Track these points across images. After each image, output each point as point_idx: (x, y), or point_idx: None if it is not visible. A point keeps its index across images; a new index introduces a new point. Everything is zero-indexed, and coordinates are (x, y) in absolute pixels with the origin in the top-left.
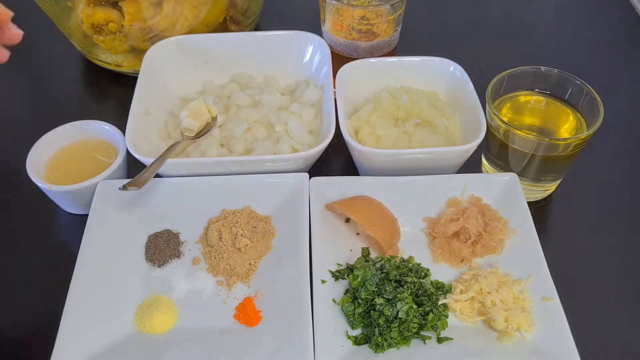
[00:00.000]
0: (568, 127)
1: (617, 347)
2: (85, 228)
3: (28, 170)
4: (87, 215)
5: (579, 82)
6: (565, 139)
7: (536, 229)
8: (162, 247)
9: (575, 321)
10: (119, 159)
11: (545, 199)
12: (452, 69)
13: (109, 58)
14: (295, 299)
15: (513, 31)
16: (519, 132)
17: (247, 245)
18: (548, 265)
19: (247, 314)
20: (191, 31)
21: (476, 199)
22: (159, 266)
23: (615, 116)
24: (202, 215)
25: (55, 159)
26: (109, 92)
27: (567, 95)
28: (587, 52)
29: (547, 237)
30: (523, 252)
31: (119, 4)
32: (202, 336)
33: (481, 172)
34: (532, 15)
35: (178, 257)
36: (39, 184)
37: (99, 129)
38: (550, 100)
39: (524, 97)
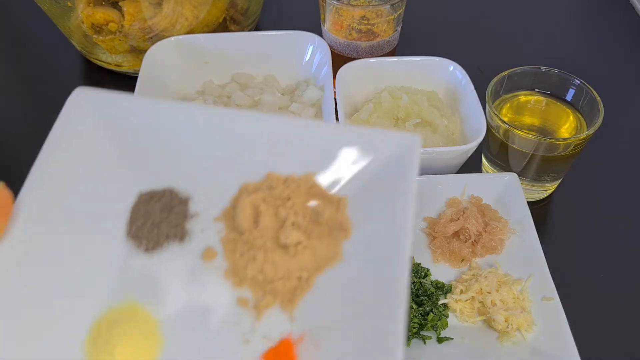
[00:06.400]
0: (568, 127)
1: (618, 348)
2: (38, 159)
3: None
4: None
5: (579, 82)
6: (565, 139)
7: (536, 228)
8: (156, 218)
9: (575, 321)
10: None
11: (545, 199)
12: (452, 68)
13: (109, 58)
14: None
15: (513, 31)
16: (519, 132)
17: (299, 243)
18: (548, 265)
19: None
20: (191, 31)
21: (476, 199)
22: (146, 250)
23: (616, 116)
24: (232, 174)
25: None
26: None
27: (567, 95)
28: (588, 51)
29: (548, 237)
30: (523, 252)
31: (119, 4)
32: None
33: (481, 172)
34: (533, 15)
35: (181, 239)
36: None
37: None
38: (550, 100)
39: (524, 97)
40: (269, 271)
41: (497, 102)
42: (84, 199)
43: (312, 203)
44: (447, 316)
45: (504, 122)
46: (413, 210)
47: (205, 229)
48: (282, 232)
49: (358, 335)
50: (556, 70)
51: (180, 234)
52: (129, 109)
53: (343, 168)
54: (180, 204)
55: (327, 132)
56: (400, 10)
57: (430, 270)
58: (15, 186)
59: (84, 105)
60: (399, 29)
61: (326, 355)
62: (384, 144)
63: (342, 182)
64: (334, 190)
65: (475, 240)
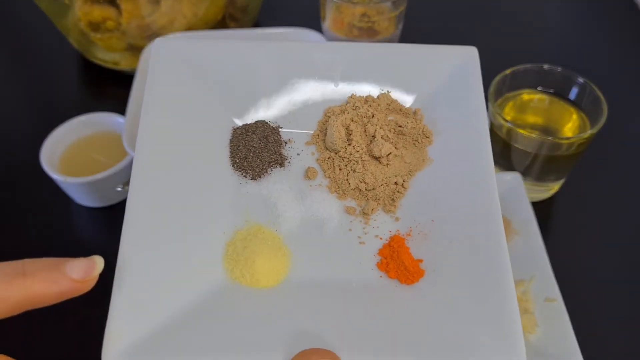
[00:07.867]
0: (571, 126)
1: (621, 349)
2: (143, 113)
3: (42, 163)
4: (100, 208)
5: (582, 81)
6: (568, 138)
7: (539, 229)
8: (257, 148)
9: (578, 323)
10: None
11: (548, 199)
12: None
13: (106, 56)
14: (481, 242)
15: (516, 29)
16: (521, 131)
17: (390, 153)
18: (551, 266)
19: (399, 262)
20: (189, 29)
21: None
22: (253, 178)
23: (620, 115)
24: (316, 100)
25: (69, 151)
26: (107, 91)
27: (570, 94)
28: (591, 50)
29: (551, 238)
30: (526, 253)
31: (117, 1)
32: (329, 296)
33: None
34: (536, 12)
35: (281, 164)
36: (54, 176)
37: (112, 122)
38: (553, 98)
39: (527, 95)
40: (369, 180)
41: (500, 101)
42: (189, 141)
43: (393, 117)
44: None
45: (507, 121)
46: (484, 110)
47: (301, 152)
48: (374, 146)
49: (458, 221)
50: (559, 69)
51: (280, 160)
52: (208, 52)
53: (413, 83)
54: (274, 133)
55: (394, 52)
56: (402, 8)
57: None
58: (13, 183)
59: (168, 54)
60: (400, 26)
61: (434, 242)
62: (444, 58)
63: (415, 96)
64: (409, 104)
65: None
